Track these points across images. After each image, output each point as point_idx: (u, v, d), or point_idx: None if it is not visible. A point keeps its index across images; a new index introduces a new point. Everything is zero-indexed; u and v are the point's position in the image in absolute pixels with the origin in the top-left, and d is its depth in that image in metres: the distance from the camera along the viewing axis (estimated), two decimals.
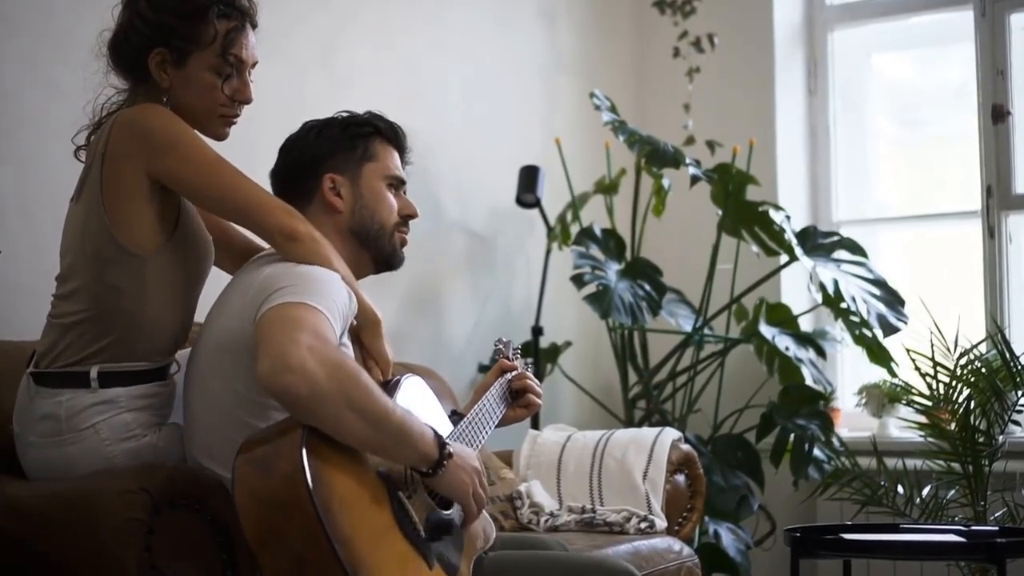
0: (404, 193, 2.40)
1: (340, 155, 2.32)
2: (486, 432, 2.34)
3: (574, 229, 4.21)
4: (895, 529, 3.08)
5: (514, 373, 2.49)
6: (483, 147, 4.26)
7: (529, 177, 4.09)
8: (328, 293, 2.06)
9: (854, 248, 4.09)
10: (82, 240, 2.20)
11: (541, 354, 4.14)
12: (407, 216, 2.37)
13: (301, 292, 2.01)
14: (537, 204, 4.10)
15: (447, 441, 2.02)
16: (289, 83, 3.48)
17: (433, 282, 4.11)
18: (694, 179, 3.97)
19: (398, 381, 2.17)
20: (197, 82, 2.24)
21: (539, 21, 4.53)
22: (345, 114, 2.38)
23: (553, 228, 4.22)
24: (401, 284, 3.91)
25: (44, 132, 2.91)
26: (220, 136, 2.31)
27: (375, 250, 2.33)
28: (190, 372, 2.22)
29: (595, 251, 4.06)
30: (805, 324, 4.44)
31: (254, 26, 2.31)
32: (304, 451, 1.84)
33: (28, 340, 2.52)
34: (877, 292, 3.98)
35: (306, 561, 1.80)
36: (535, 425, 3.86)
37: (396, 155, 2.38)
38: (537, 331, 4.11)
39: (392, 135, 2.38)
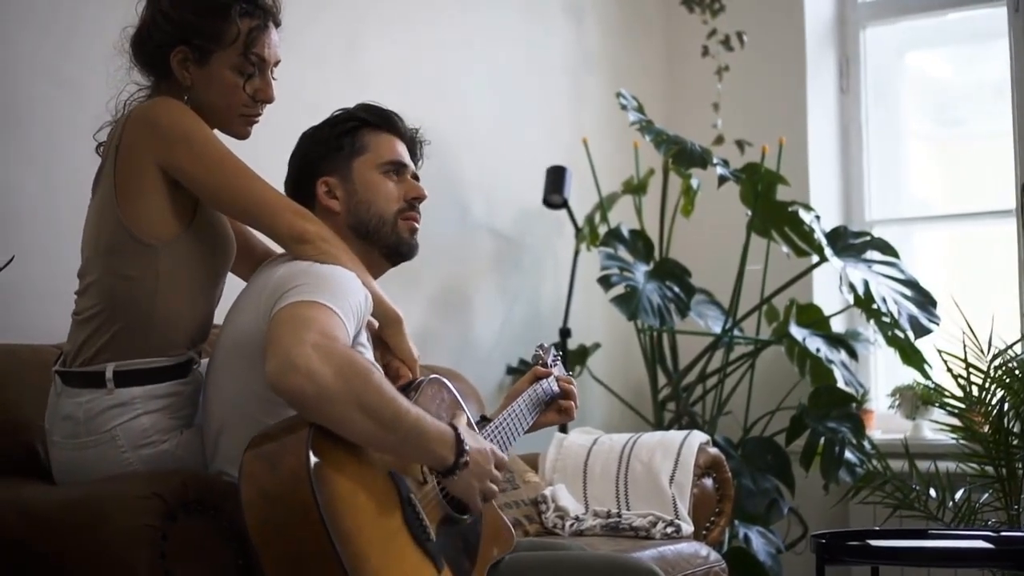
0: (415, 177, 2.35)
1: (329, 157, 2.29)
2: (514, 439, 2.32)
3: (602, 230, 4.18)
4: (923, 535, 3.04)
5: (560, 375, 2.46)
6: (509, 147, 4.24)
7: (556, 178, 4.06)
8: (342, 292, 2.03)
9: (885, 248, 4.04)
10: (96, 233, 2.20)
11: (569, 356, 4.12)
12: (413, 199, 2.31)
13: (313, 291, 1.99)
14: (564, 205, 4.07)
15: (467, 448, 1.98)
16: (310, 82, 3.45)
17: (460, 283, 4.09)
18: (722, 179, 3.94)
19: (420, 382, 2.15)
20: (219, 81, 2.22)
21: (566, 19, 4.50)
22: (338, 112, 2.35)
23: (581, 229, 4.19)
24: (428, 285, 3.90)
25: (62, 133, 2.90)
26: (242, 135, 2.30)
27: (380, 243, 2.29)
28: (208, 374, 2.21)
29: (623, 252, 4.03)
30: (838, 325, 4.39)
31: (277, 24, 2.29)
32: (310, 448, 1.82)
33: (47, 344, 2.52)
34: (908, 293, 3.93)
35: (306, 559, 1.79)
36: (562, 428, 3.83)
37: (392, 140, 2.33)
38: (565, 333, 4.09)
39: (381, 122, 2.33)
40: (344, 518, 1.81)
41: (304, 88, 3.31)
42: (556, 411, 2.46)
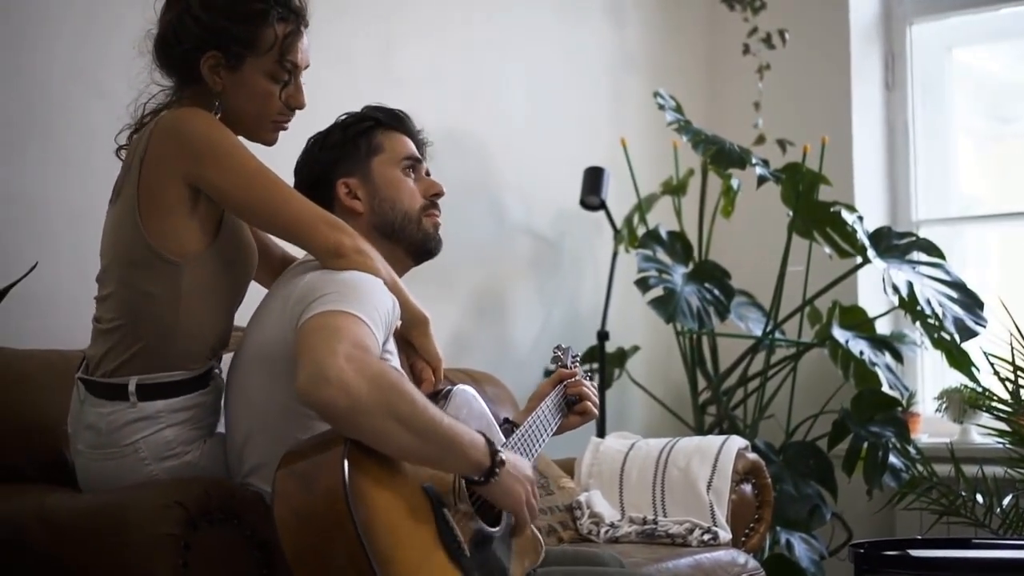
0: (427, 174, 2.34)
1: (346, 158, 2.27)
2: (540, 443, 2.29)
3: (641, 231, 4.13)
4: (966, 544, 2.97)
5: (569, 380, 2.44)
6: (547, 148, 4.20)
7: (593, 179, 4.02)
8: (369, 300, 2.01)
9: (930, 249, 3.95)
10: (115, 242, 2.17)
11: (608, 359, 4.06)
12: (433, 196, 2.31)
13: (341, 300, 1.97)
14: (601, 207, 4.03)
15: (499, 449, 1.98)
16: (345, 84, 3.43)
17: (497, 286, 4.05)
18: (761, 179, 3.87)
19: (449, 391, 2.14)
20: (252, 88, 2.18)
21: (605, 18, 4.46)
22: (344, 116, 2.34)
23: (620, 230, 4.14)
24: (465, 288, 3.87)
25: (85, 138, 2.89)
26: (270, 142, 2.27)
27: (406, 240, 2.27)
28: (231, 382, 2.19)
29: (661, 254, 3.98)
30: (884, 326, 4.32)
31: (306, 26, 2.25)
32: (346, 466, 1.79)
33: (73, 349, 2.51)
34: (954, 295, 3.84)
35: None
36: (599, 433, 3.78)
37: (405, 139, 2.32)
38: (603, 336, 4.03)
39: (393, 121, 2.32)
40: (381, 537, 1.79)
41: (337, 91, 3.29)
42: (577, 414, 2.44)
